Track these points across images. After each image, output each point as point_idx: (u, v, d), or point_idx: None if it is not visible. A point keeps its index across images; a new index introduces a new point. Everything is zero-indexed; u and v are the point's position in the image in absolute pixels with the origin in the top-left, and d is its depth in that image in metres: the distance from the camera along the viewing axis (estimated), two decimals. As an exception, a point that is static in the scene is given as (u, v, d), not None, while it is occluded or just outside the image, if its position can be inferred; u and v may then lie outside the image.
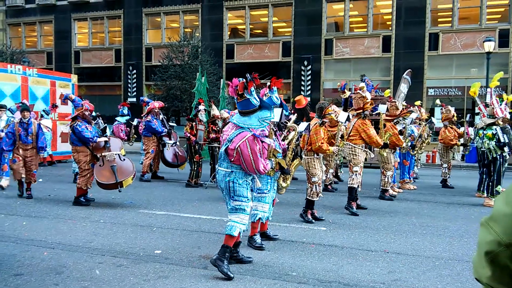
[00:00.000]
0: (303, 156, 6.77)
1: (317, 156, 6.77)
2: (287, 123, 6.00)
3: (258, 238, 5.54)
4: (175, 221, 6.90)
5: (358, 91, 7.95)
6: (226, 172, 4.50)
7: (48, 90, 14.91)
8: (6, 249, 5.32)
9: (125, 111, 12.91)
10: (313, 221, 6.82)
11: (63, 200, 8.47)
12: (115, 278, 4.40)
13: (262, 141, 4.57)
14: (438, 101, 12.48)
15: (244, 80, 4.43)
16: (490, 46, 17.37)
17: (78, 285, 4.19)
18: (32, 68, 15.12)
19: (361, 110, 7.84)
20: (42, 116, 13.41)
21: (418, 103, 12.21)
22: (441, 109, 11.33)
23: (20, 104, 11.77)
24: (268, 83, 4.88)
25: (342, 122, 7.16)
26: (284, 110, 5.57)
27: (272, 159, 4.78)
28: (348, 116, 8.20)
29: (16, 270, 4.60)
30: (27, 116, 8.54)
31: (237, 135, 4.41)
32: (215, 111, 10.74)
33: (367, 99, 7.80)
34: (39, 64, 26.42)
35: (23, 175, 8.57)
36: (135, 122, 13.24)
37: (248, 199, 4.54)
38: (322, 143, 6.57)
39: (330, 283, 4.34)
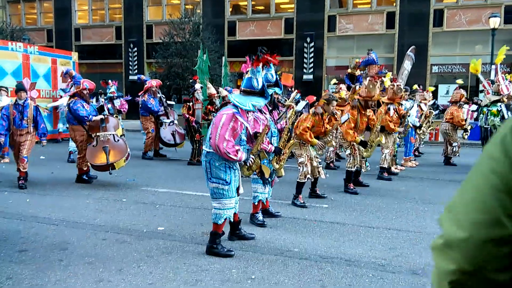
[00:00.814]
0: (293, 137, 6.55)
1: (303, 143, 6.46)
2: (285, 100, 5.93)
3: (259, 216, 5.57)
4: (178, 199, 6.94)
5: (373, 78, 7.64)
6: (205, 151, 4.41)
7: (49, 68, 14.80)
8: (11, 226, 5.37)
9: (107, 90, 12.46)
10: (306, 205, 6.53)
11: (66, 177, 8.50)
12: (118, 254, 4.45)
13: (255, 135, 4.49)
14: (460, 81, 11.91)
15: (255, 56, 4.39)
16: (495, 22, 17.09)
17: (82, 261, 4.24)
18: (33, 46, 14.99)
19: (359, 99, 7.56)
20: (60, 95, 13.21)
21: (432, 89, 12.21)
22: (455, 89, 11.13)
23: None
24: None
25: (341, 122, 7.08)
26: (279, 89, 5.52)
27: (252, 157, 4.48)
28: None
29: (21, 246, 4.65)
30: (23, 97, 7.60)
31: (222, 110, 4.40)
32: (211, 89, 10.62)
33: (372, 94, 7.40)
34: (39, 42, 26.13)
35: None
36: (117, 102, 12.46)
37: (226, 183, 4.32)
38: (305, 131, 6.29)
39: (332, 259, 4.38)
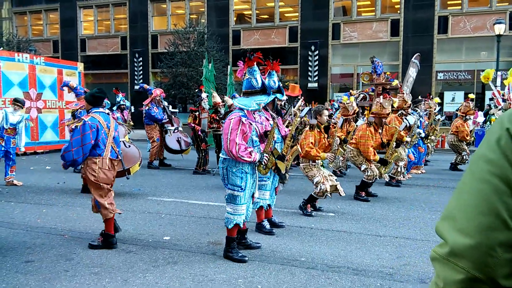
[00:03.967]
0: (300, 163, 6.43)
1: (314, 163, 6.33)
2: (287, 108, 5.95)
3: (267, 224, 5.54)
4: (183, 208, 6.92)
5: (385, 96, 7.65)
6: (222, 158, 4.51)
7: (55, 79, 14.92)
8: (17, 237, 5.37)
9: (118, 99, 12.67)
10: (312, 214, 6.43)
11: (72, 188, 8.51)
12: (124, 264, 4.43)
13: (266, 134, 4.54)
14: (438, 99, 12.79)
15: (247, 57, 4.45)
16: (500, 29, 17.06)
17: (88, 271, 4.23)
18: (39, 57, 15.13)
19: (373, 115, 7.55)
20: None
21: (438, 100, 12.47)
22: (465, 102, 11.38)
23: None
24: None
25: (339, 126, 7.04)
26: (281, 95, 5.52)
27: (266, 156, 4.51)
28: (343, 121, 8.09)
29: (27, 257, 4.64)
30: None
31: (229, 116, 4.45)
32: (216, 98, 10.62)
33: (386, 112, 7.41)
34: (45, 53, 26.42)
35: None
36: (132, 109, 12.76)
37: (241, 189, 4.41)
38: (310, 148, 6.10)
39: (339, 268, 4.34)
